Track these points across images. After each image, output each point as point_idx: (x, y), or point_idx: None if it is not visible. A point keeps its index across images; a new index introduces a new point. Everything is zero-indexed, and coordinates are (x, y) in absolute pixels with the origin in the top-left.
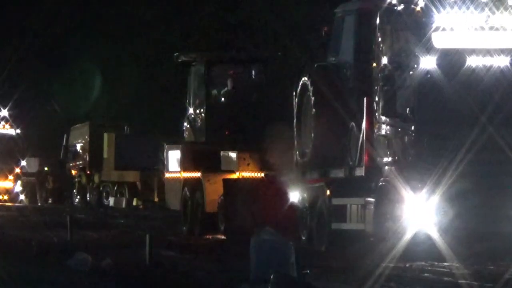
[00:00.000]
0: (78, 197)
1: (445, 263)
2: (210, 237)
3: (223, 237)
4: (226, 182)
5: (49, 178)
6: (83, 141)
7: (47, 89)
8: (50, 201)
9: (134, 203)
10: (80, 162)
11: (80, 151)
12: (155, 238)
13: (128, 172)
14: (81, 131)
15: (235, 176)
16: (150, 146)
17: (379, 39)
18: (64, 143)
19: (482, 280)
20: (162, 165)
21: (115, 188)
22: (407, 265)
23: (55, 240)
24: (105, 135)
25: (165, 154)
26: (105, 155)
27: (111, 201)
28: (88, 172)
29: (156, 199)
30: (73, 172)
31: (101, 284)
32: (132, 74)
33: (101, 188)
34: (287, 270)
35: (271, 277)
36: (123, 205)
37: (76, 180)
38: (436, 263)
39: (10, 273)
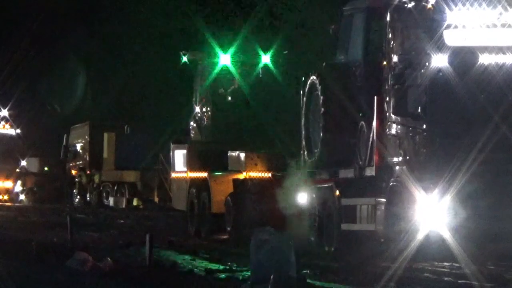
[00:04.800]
0: (78, 197)
1: (445, 263)
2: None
3: (224, 237)
4: (235, 182)
5: (48, 178)
6: (83, 141)
7: (47, 89)
8: (50, 201)
9: (134, 203)
10: (80, 162)
11: (80, 151)
12: (155, 238)
13: (128, 172)
14: (81, 131)
15: (242, 176)
16: (150, 146)
17: (389, 37)
18: (64, 143)
19: (483, 280)
20: (162, 164)
21: (115, 188)
22: (407, 265)
23: (55, 240)
24: (105, 135)
25: (171, 153)
26: (105, 155)
27: (111, 201)
28: (88, 172)
29: (156, 199)
30: (73, 172)
31: (101, 284)
32: (133, 73)
33: (101, 188)
34: (287, 270)
35: (271, 277)
36: (123, 205)
37: (76, 180)
38: (436, 263)
39: (10, 273)
